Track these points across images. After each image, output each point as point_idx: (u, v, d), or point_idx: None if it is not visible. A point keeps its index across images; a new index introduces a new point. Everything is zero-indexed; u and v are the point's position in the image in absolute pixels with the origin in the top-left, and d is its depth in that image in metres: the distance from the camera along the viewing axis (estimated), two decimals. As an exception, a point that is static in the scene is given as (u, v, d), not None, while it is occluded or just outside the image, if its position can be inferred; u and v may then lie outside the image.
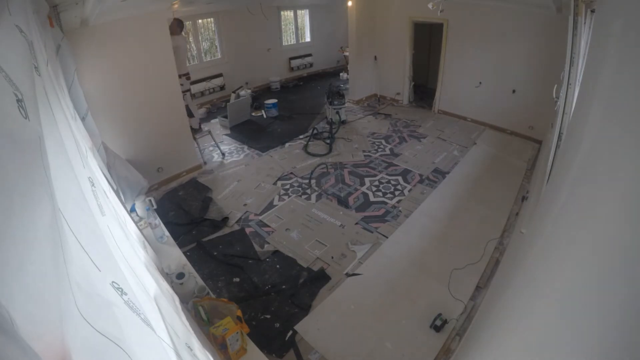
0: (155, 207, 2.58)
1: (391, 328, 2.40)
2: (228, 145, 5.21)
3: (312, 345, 2.29)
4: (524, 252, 1.50)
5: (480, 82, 5.30)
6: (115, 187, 1.99)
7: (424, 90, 6.89)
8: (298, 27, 8.62)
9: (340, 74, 8.59)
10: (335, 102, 5.59)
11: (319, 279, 2.80)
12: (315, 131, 5.41)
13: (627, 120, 0.69)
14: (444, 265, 2.87)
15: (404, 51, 6.16)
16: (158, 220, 2.35)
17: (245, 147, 5.12)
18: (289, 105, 6.66)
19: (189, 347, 1.05)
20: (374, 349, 2.26)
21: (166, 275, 1.93)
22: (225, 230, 3.39)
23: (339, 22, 8.63)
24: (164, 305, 1.00)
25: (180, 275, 1.95)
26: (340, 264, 2.94)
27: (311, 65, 8.91)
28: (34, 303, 0.44)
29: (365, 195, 3.90)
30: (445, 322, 2.35)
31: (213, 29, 6.90)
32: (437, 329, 2.33)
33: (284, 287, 2.73)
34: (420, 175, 4.24)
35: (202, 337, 1.51)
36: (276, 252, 3.09)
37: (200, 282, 2.09)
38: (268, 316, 2.50)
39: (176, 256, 2.26)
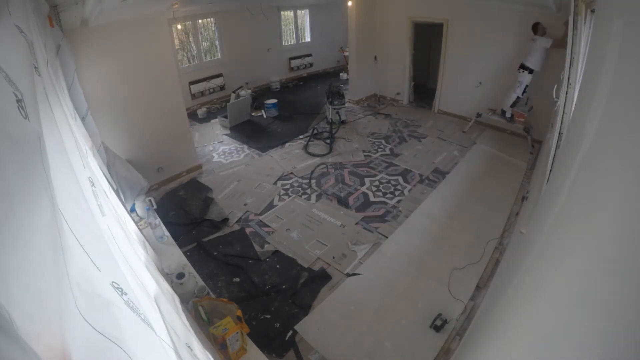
0: (155, 207, 2.58)
1: (391, 328, 2.40)
2: (228, 145, 5.21)
3: (312, 345, 2.29)
4: (524, 252, 1.50)
5: (480, 82, 5.30)
6: (115, 187, 1.99)
7: (424, 90, 6.89)
8: (298, 27, 8.62)
9: (340, 74, 8.59)
10: (335, 102, 5.58)
11: (320, 278, 2.80)
12: (315, 131, 5.41)
13: (627, 120, 0.69)
14: (444, 265, 2.87)
15: (404, 51, 6.16)
16: (158, 220, 2.35)
17: (245, 147, 5.12)
18: (289, 105, 6.66)
19: (189, 347, 1.05)
20: (374, 349, 2.26)
21: (166, 275, 1.93)
22: (226, 230, 3.39)
23: (339, 22, 8.63)
24: (164, 305, 1.00)
25: (180, 275, 1.95)
26: (341, 264, 2.94)
27: (311, 65, 8.91)
28: (34, 303, 0.44)
29: (365, 195, 3.90)
30: (445, 322, 2.35)
31: (213, 29, 6.90)
32: (437, 329, 2.33)
33: (284, 287, 2.73)
34: (420, 175, 4.24)
35: (202, 337, 1.51)
36: (276, 252, 3.09)
37: (200, 282, 2.09)
38: (268, 316, 2.50)
39: (176, 256, 2.26)
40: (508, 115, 4.92)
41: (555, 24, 4.10)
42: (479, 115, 5.23)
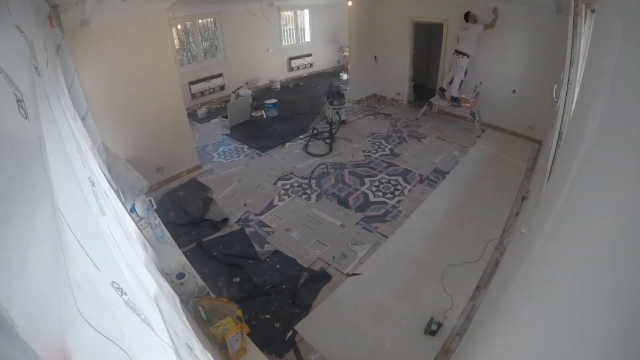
0: (155, 207, 2.58)
1: (391, 328, 2.40)
2: (228, 145, 5.21)
3: (312, 345, 2.29)
4: (524, 252, 1.50)
5: (480, 82, 5.30)
6: (115, 187, 1.99)
7: (424, 90, 6.89)
8: (298, 27, 8.62)
9: (340, 74, 8.59)
10: (335, 102, 5.58)
11: (320, 278, 2.80)
12: (315, 131, 5.41)
13: (627, 120, 0.69)
14: (444, 265, 2.87)
15: (404, 51, 6.16)
16: (158, 220, 2.35)
17: (245, 147, 5.12)
18: (289, 105, 6.66)
19: (189, 347, 1.05)
20: (374, 349, 2.26)
21: (166, 275, 1.93)
22: (225, 230, 3.39)
23: (339, 22, 8.63)
24: (164, 305, 1.00)
25: (180, 275, 1.95)
26: (341, 264, 2.94)
27: (311, 65, 8.91)
28: (34, 303, 0.44)
29: (365, 195, 3.90)
30: (440, 325, 2.33)
31: (213, 29, 6.90)
32: (433, 333, 2.31)
33: (284, 287, 2.73)
34: (420, 175, 4.24)
35: (202, 337, 1.51)
36: (276, 252, 3.09)
37: (200, 282, 2.09)
38: (268, 316, 2.50)
39: (176, 256, 2.26)
40: (455, 95, 5.39)
41: (550, 23, 4.11)
42: (429, 104, 5.78)
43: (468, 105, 5.15)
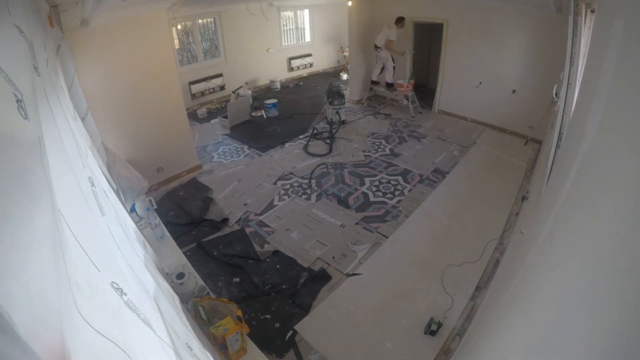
0: (155, 207, 2.58)
1: (391, 328, 2.40)
2: (228, 145, 5.21)
3: (312, 345, 2.29)
4: (524, 252, 1.50)
5: (480, 82, 5.30)
6: (115, 187, 1.99)
7: (424, 90, 6.88)
8: (298, 27, 8.62)
9: (340, 74, 8.58)
10: (335, 102, 5.58)
11: (320, 278, 2.80)
12: (315, 131, 5.41)
13: (627, 120, 0.69)
14: (444, 265, 2.87)
15: (404, 51, 6.15)
16: (158, 220, 2.35)
17: (245, 147, 5.12)
18: (289, 105, 6.66)
19: (189, 347, 1.05)
20: (374, 349, 2.26)
21: (166, 275, 1.94)
22: (225, 230, 3.39)
23: (339, 22, 8.64)
24: (164, 305, 1.00)
25: (180, 275, 1.95)
26: (341, 264, 2.94)
27: (311, 65, 8.91)
28: (33, 303, 0.44)
29: (365, 195, 3.89)
30: (440, 324, 2.33)
31: (213, 29, 6.90)
32: (433, 333, 2.31)
33: (284, 287, 2.73)
34: (420, 175, 4.24)
35: (202, 337, 1.51)
36: (276, 252, 3.08)
37: (200, 282, 2.09)
38: (268, 316, 2.50)
39: (176, 256, 2.26)
40: (390, 82, 6.21)
41: (550, 23, 4.10)
42: (371, 89, 6.68)
43: (402, 89, 5.84)
